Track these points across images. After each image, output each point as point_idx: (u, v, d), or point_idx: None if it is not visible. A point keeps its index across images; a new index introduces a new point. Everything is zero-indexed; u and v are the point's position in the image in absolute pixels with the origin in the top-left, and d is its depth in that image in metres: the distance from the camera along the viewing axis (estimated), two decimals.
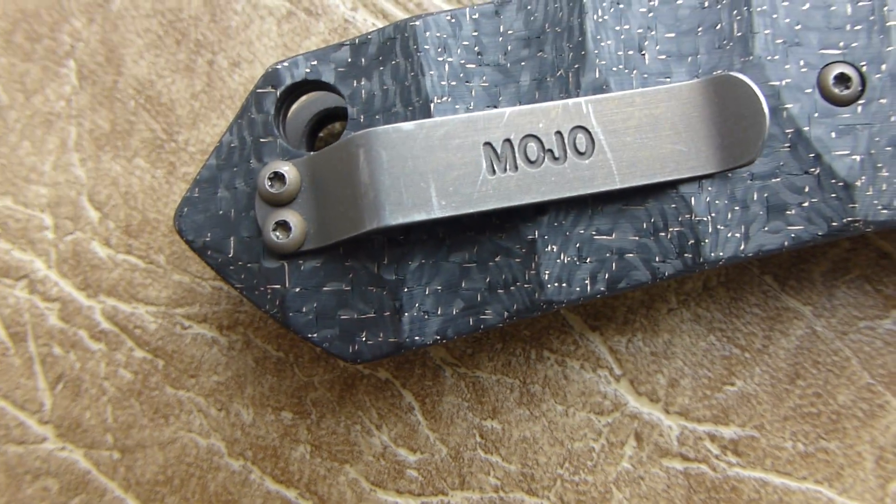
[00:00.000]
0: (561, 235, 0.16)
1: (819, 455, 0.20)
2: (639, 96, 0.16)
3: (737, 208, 0.16)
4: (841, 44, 0.17)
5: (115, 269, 0.22)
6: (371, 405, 0.21)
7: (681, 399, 0.20)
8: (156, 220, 0.21)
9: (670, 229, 0.16)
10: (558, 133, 0.16)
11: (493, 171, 0.15)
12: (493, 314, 0.16)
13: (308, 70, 0.17)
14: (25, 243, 0.22)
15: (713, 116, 0.16)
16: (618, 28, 0.17)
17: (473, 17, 0.17)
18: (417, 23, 0.17)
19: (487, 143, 0.16)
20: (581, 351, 0.20)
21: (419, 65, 0.17)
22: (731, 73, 0.16)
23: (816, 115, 0.16)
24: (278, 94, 0.17)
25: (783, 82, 0.16)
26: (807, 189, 0.16)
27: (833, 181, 0.16)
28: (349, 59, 0.17)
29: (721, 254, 0.16)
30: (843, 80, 0.16)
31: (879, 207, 0.16)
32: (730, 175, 0.16)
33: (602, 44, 0.17)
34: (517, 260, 0.16)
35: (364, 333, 0.17)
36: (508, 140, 0.16)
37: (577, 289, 0.16)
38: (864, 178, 0.16)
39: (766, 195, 0.16)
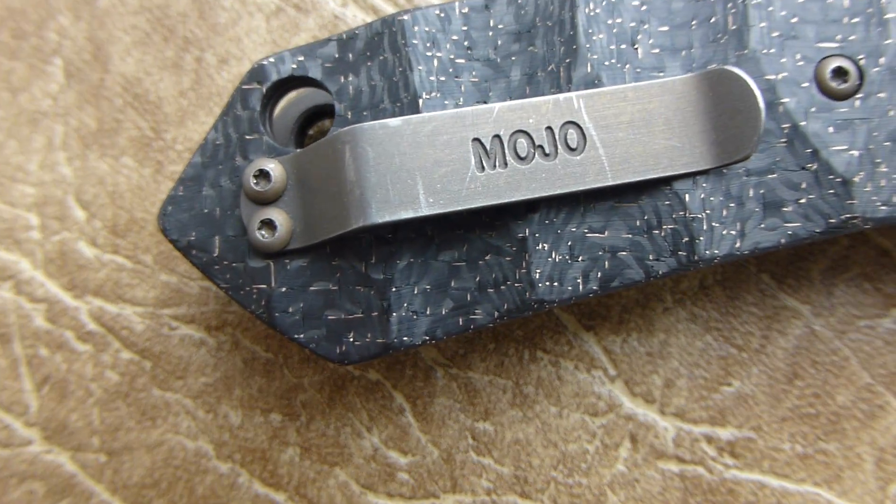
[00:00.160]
0: (552, 233, 0.16)
1: (818, 457, 0.19)
2: (631, 91, 0.16)
3: (732, 205, 0.16)
4: (838, 37, 0.16)
5: (101, 269, 0.21)
6: (361, 407, 0.20)
7: (677, 400, 0.20)
8: (143, 219, 0.21)
9: (664, 227, 0.16)
10: (549, 129, 0.15)
11: (482, 168, 0.15)
12: (484, 314, 0.16)
13: (294, 66, 0.17)
14: (11, 243, 0.21)
15: (707, 111, 0.16)
16: (610, 22, 0.16)
17: (463, 11, 0.17)
18: (405, 17, 0.16)
19: (476, 140, 0.15)
20: (575, 351, 0.20)
21: (407, 60, 0.16)
22: (726, 67, 0.15)
23: (813, 109, 0.16)
24: (264, 90, 0.17)
25: (779, 76, 0.16)
26: (804, 185, 0.16)
27: (831, 177, 0.16)
28: (336, 55, 0.17)
29: (716, 252, 0.16)
30: (840, 73, 0.16)
31: (878, 204, 0.16)
32: (725, 171, 0.16)
33: (594, 38, 0.16)
34: (508, 258, 0.16)
35: (352, 334, 0.16)
36: (498, 136, 0.15)
37: (569, 288, 0.16)
38: (862, 173, 0.16)
39: (762, 192, 0.16)
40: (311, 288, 0.16)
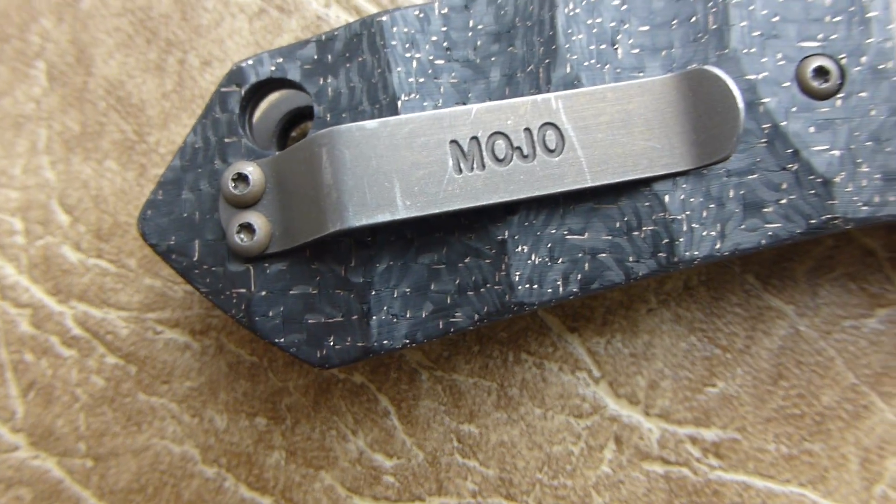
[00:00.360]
0: (532, 235, 0.16)
1: (803, 457, 0.19)
2: (611, 91, 0.16)
3: (712, 206, 0.16)
4: (820, 36, 0.16)
5: (86, 273, 0.21)
6: (346, 410, 0.20)
7: (661, 401, 0.20)
8: (127, 223, 0.21)
9: (644, 228, 0.16)
10: (527, 130, 0.15)
11: (460, 170, 0.15)
12: (464, 317, 0.16)
13: (273, 68, 0.17)
14: None
15: (687, 112, 0.16)
16: (590, 22, 0.16)
17: (442, 11, 0.17)
18: (384, 18, 0.16)
19: (454, 141, 0.15)
20: (559, 353, 0.20)
21: (386, 61, 0.16)
22: (705, 68, 0.15)
23: (794, 109, 0.16)
24: (243, 92, 0.17)
25: (760, 76, 0.16)
26: (784, 186, 0.16)
27: (812, 177, 0.16)
28: (315, 57, 0.17)
29: (696, 253, 0.16)
30: (821, 73, 0.16)
31: (860, 204, 0.16)
32: (705, 172, 0.16)
33: (573, 38, 0.16)
34: (487, 261, 0.16)
35: (332, 338, 0.16)
36: (475, 138, 0.15)
37: (549, 290, 0.16)
38: (843, 174, 0.16)
39: (742, 192, 0.16)
40: (291, 292, 0.16)
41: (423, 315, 0.16)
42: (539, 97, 0.15)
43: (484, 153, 0.15)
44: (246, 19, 0.21)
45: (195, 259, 0.17)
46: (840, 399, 0.19)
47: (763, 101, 0.16)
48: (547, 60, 0.16)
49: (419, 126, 0.15)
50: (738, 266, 0.20)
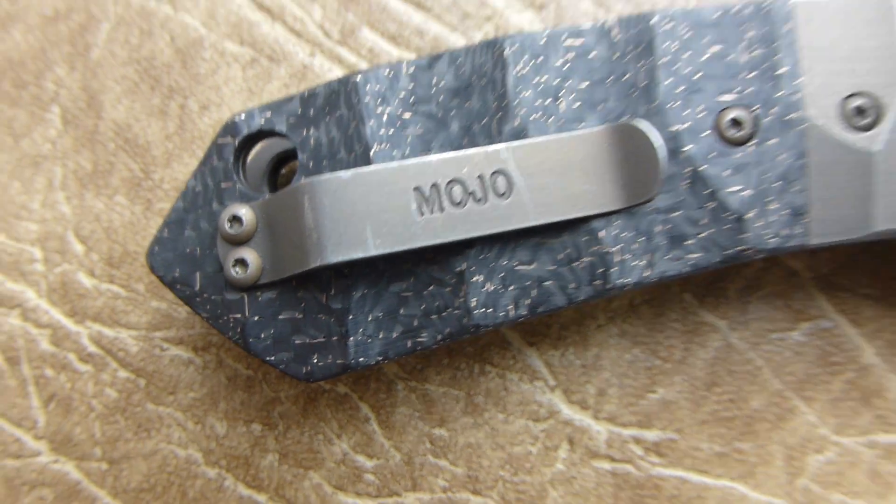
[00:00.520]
0: (486, 267, 0.18)
1: (734, 455, 0.22)
2: (553, 142, 0.18)
3: (641, 239, 0.18)
4: (736, 90, 0.19)
5: (99, 297, 0.24)
6: (332, 417, 0.23)
7: (608, 406, 0.22)
8: (135, 251, 0.24)
9: (582, 259, 0.18)
10: (480, 177, 0.18)
11: (422, 213, 0.18)
12: (428, 337, 0.19)
13: (263, 121, 0.19)
14: (18, 275, 0.24)
15: (618, 160, 0.18)
16: (536, 80, 0.19)
17: (409, 71, 0.19)
18: (358, 78, 0.19)
19: (417, 188, 0.18)
20: (519, 365, 0.22)
21: (360, 115, 0.19)
22: (632, 123, 0.18)
23: (712, 155, 0.18)
24: (236, 143, 0.19)
25: (683, 126, 0.18)
26: (703, 222, 0.18)
27: (726, 214, 0.18)
28: (299, 111, 0.19)
29: (627, 280, 0.18)
30: (736, 123, 0.18)
31: (768, 237, 0.18)
32: (634, 210, 0.18)
33: (522, 94, 0.19)
34: (448, 289, 0.18)
35: (315, 356, 0.19)
36: (435, 185, 0.18)
37: (502, 313, 0.18)
38: (754, 211, 0.18)
39: (667, 227, 0.18)
40: (280, 317, 0.19)
41: (394, 336, 0.19)
42: (490, 148, 0.18)
43: (443, 198, 0.18)
44: (240, 68, 0.24)
45: (197, 289, 0.19)
46: (767, 403, 0.22)
47: (685, 148, 0.18)
48: (499, 114, 0.19)
49: (386, 176, 0.18)
50: (677, 286, 0.22)
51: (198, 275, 0.19)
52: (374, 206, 0.17)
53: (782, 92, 0.19)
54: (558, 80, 0.19)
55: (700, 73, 0.19)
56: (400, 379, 0.23)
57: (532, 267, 0.18)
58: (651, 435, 0.22)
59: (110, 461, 0.23)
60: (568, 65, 0.19)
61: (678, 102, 0.18)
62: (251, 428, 0.23)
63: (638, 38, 0.19)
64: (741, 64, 0.19)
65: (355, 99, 0.19)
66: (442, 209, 0.18)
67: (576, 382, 0.22)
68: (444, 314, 0.19)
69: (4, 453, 0.24)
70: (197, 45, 0.24)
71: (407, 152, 0.19)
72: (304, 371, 0.19)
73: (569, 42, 0.19)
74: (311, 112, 0.19)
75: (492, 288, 0.18)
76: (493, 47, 0.19)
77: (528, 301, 0.19)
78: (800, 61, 0.18)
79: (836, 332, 0.22)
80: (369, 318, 0.19)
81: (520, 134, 0.18)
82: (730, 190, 0.18)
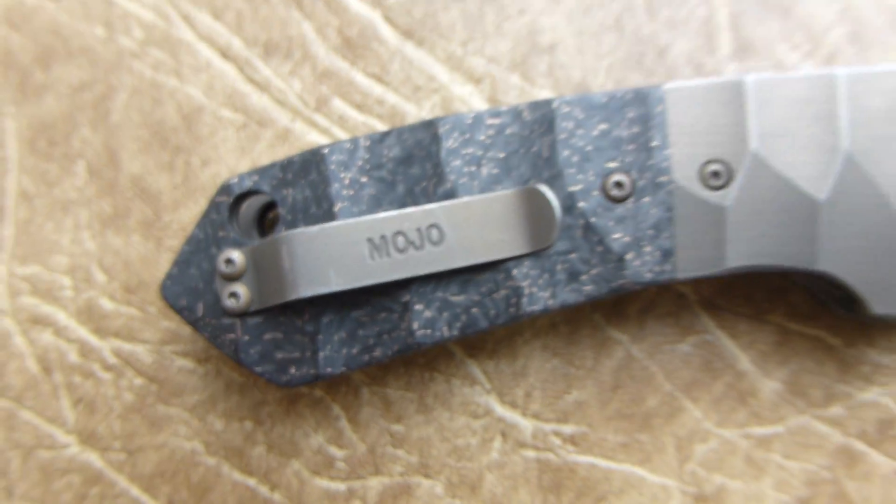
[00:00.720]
0: (425, 298, 0.24)
1: (634, 445, 0.27)
2: (476, 202, 0.23)
3: (546, 276, 0.24)
4: (619, 158, 0.24)
5: (119, 318, 0.29)
6: (310, 415, 0.28)
7: (533, 406, 0.27)
8: (148, 281, 0.29)
9: (500, 292, 0.24)
10: (418, 229, 0.23)
11: (373, 258, 0.23)
12: (381, 353, 0.24)
13: (251, 183, 0.24)
14: (51, 299, 0.29)
15: (526, 215, 0.23)
16: (464, 152, 0.24)
17: (365, 144, 0.24)
18: (325, 150, 0.24)
19: (369, 239, 0.23)
20: (462, 372, 0.28)
21: (327, 179, 0.24)
22: (536, 187, 0.23)
23: (600, 210, 0.23)
24: (230, 201, 0.24)
25: (577, 187, 0.24)
26: (593, 262, 0.23)
27: (611, 256, 0.23)
28: (280, 175, 0.24)
29: (535, 307, 0.23)
30: (619, 185, 0.24)
31: (644, 273, 0.23)
32: (540, 254, 0.23)
33: (452, 163, 0.24)
34: (396, 315, 0.24)
35: (293, 367, 0.24)
36: (384, 236, 0.23)
37: (438, 334, 0.24)
38: (632, 253, 0.23)
39: (566, 266, 0.24)
40: (265, 337, 0.24)
41: (354, 352, 0.24)
42: (427, 206, 0.23)
43: (390, 246, 0.23)
44: (234, 130, 0.29)
45: (199, 315, 0.24)
46: (661, 402, 0.27)
47: (579, 204, 0.24)
48: (434, 179, 0.24)
49: (345, 229, 0.23)
50: (588, 308, 0.28)
51: (200, 304, 0.24)
52: (336, 252, 0.23)
53: (654, 160, 0.24)
54: (481, 151, 0.24)
55: (591, 146, 0.24)
56: (365, 384, 0.28)
57: (461, 298, 0.24)
58: (567, 429, 0.27)
59: (128, 452, 0.28)
60: (489, 139, 0.24)
61: (573, 169, 0.24)
62: (244, 425, 0.28)
63: (542, 119, 0.24)
64: (623, 138, 0.24)
65: (323, 167, 0.24)
66: (389, 255, 0.23)
67: (507, 386, 0.27)
68: (393, 334, 0.24)
69: (40, 446, 0.29)
70: (199, 111, 0.29)
71: (364, 209, 0.24)
72: (283, 379, 0.24)
73: (490, 121, 0.24)
74: (290, 176, 0.24)
75: (430, 314, 0.24)
76: (430, 126, 0.24)
77: (458, 324, 0.24)
78: (668, 136, 0.24)
79: (717, 344, 0.27)
80: (335, 338, 0.24)
81: (450, 194, 0.24)
82: (614, 237, 0.24)
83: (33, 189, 0.29)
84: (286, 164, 0.24)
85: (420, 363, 0.28)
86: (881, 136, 0.23)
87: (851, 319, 0.27)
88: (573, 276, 0.23)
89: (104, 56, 0.29)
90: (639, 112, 0.24)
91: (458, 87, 0.28)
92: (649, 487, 0.27)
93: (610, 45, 0.28)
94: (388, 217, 0.23)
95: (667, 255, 0.23)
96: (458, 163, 0.24)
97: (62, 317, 0.29)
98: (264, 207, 0.27)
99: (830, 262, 0.23)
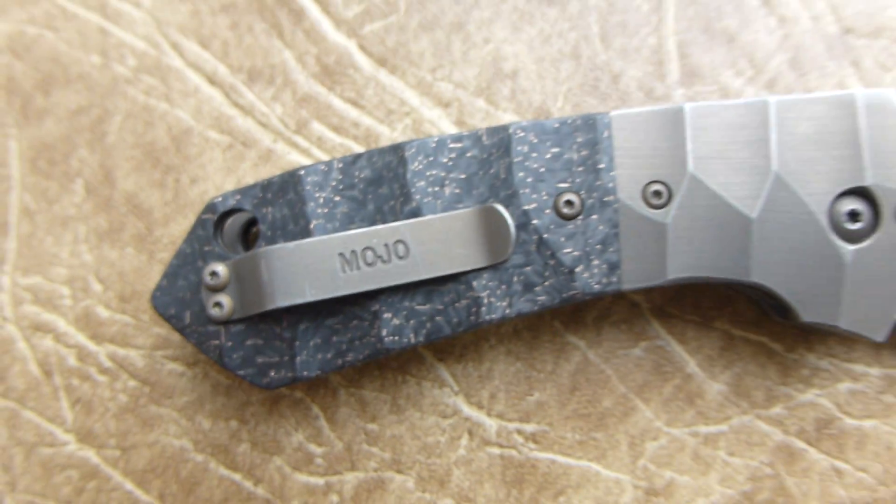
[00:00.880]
0: (393, 307, 0.26)
1: (591, 442, 0.29)
2: (439, 219, 0.25)
3: (503, 287, 0.26)
4: (570, 179, 0.26)
5: (114, 324, 0.31)
6: (290, 415, 0.30)
7: (498, 406, 0.29)
8: (141, 291, 0.31)
9: (461, 301, 0.26)
10: (386, 245, 0.25)
11: (344, 271, 0.25)
12: (353, 357, 0.26)
13: (234, 202, 0.27)
14: (51, 307, 0.31)
15: (484, 231, 0.25)
16: (428, 173, 0.26)
17: (339, 166, 0.26)
18: (302, 172, 0.26)
19: (341, 254, 0.25)
20: (432, 375, 0.30)
21: (303, 198, 0.26)
22: (493, 206, 0.25)
23: (552, 226, 0.26)
24: (215, 219, 0.27)
25: (531, 206, 0.26)
26: (546, 274, 0.26)
27: (562, 269, 0.26)
28: (261, 195, 0.27)
29: (493, 316, 0.26)
30: (569, 203, 0.26)
31: (592, 284, 0.26)
32: (498, 266, 0.26)
33: (417, 184, 0.26)
34: (366, 323, 0.26)
35: (272, 371, 0.26)
36: (354, 251, 0.25)
37: (405, 340, 0.26)
38: (581, 266, 0.26)
39: (521, 278, 0.26)
40: (247, 343, 0.26)
41: (329, 356, 0.26)
42: (394, 224, 0.25)
43: (359, 260, 0.25)
44: (220, 150, 0.31)
45: (187, 322, 0.27)
46: (615, 403, 0.29)
47: (533, 222, 0.26)
48: (401, 198, 0.26)
49: (319, 245, 0.25)
50: (548, 315, 0.30)
51: (188, 312, 0.27)
52: (311, 266, 0.25)
53: (601, 181, 0.26)
54: (444, 172, 0.26)
55: (544, 168, 0.26)
56: (342, 386, 0.30)
57: (426, 307, 0.26)
58: (529, 427, 0.29)
59: (122, 449, 0.31)
60: (451, 162, 0.26)
61: (528, 189, 0.26)
62: (230, 424, 0.30)
63: (500, 143, 0.26)
64: (573, 161, 0.26)
65: (300, 187, 0.26)
66: (359, 268, 0.25)
67: (473, 388, 0.30)
68: (363, 340, 0.26)
69: (41, 443, 0.31)
70: (188, 133, 0.31)
71: (337, 225, 0.26)
72: (264, 381, 0.26)
73: (452, 145, 0.26)
74: (269, 195, 0.27)
75: (397, 322, 0.26)
76: (397, 150, 0.26)
77: (424, 331, 0.26)
78: (614, 158, 0.26)
79: (667, 349, 0.30)
80: (311, 344, 0.26)
81: (416, 213, 0.26)
82: (565, 251, 0.26)
83: (34, 205, 0.31)
84: (266, 185, 0.26)
85: (393, 367, 0.30)
86: (807, 159, 0.25)
87: (791, 326, 0.29)
88: (528, 287, 0.26)
89: (100, 82, 0.31)
90: (587, 137, 0.26)
91: (427, 111, 0.30)
92: (604, 482, 0.29)
93: (568, 71, 0.30)
94: (357, 234, 0.25)
95: (613, 267, 0.26)
96: (422, 183, 0.26)
97: (61, 324, 0.31)
98: (248, 223, 0.29)
99: (762, 274, 0.25)
